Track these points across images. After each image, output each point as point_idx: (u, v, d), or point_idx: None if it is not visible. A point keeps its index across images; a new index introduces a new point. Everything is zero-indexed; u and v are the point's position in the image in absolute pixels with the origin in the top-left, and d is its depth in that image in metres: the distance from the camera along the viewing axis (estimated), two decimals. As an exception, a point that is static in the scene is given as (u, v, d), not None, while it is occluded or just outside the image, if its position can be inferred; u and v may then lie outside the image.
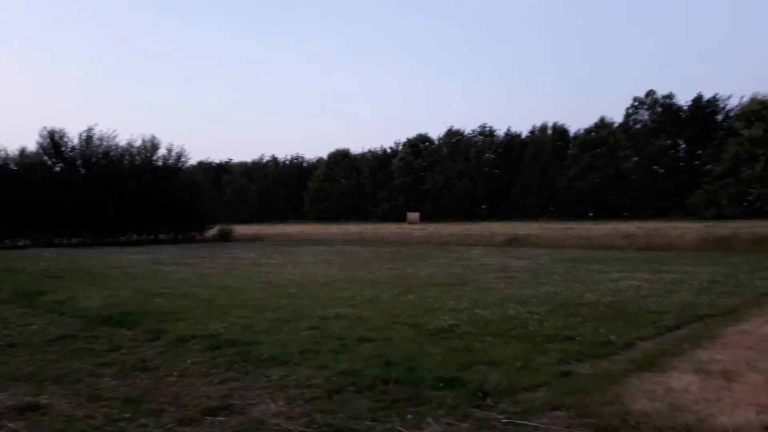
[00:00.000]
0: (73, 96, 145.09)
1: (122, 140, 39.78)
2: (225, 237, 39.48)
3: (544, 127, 72.45)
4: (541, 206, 66.62)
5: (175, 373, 5.57)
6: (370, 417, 4.25)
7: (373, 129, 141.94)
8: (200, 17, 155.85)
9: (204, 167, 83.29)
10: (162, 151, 40.03)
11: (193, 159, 61.06)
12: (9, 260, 20.47)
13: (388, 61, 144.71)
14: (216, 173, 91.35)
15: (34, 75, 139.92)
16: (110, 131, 38.74)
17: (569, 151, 67.14)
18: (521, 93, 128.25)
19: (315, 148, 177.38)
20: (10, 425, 4.26)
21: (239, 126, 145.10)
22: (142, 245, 33.74)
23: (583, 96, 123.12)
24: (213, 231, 40.75)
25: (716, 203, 53.55)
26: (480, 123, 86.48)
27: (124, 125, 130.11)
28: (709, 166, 57.43)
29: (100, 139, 37.71)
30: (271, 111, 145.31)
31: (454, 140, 79.08)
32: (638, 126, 64.84)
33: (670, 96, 63.81)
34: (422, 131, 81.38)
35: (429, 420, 4.17)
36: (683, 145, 62.94)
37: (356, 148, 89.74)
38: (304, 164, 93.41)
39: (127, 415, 4.40)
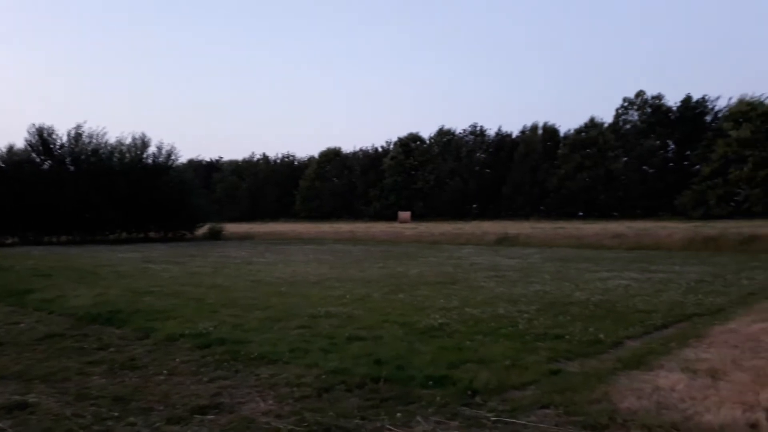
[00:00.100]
0: (62, 93, 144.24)
1: (112, 138, 39.60)
2: (215, 235, 39.37)
3: (534, 127, 72.64)
4: (531, 206, 66.86)
5: (165, 372, 5.55)
6: (359, 415, 4.25)
7: (365, 128, 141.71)
8: (191, 15, 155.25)
9: (194, 165, 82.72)
10: (152, 149, 40.00)
11: (183, 157, 60.71)
12: (-4, 258, 20.29)
13: (380, 60, 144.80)
14: (206, 171, 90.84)
15: (22, 72, 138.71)
16: (100, 129, 38.59)
17: (559, 151, 67.37)
18: (512, 93, 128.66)
19: (306, 147, 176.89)
20: (-2, 424, 4.24)
21: (230, 124, 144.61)
22: (132, 243, 33.58)
23: (574, 96, 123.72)
24: (203, 229, 40.64)
25: (704, 203, 53.93)
26: (471, 122, 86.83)
27: (113, 123, 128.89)
28: (697, 166, 57.79)
29: (90, 136, 37.58)
30: (262, 109, 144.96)
31: (445, 140, 79.11)
32: (628, 126, 65.13)
33: (659, 97, 64.16)
34: (413, 130, 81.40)
35: (418, 418, 4.18)
36: (672, 146, 63.27)
37: (348, 147, 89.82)
38: (295, 163, 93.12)
39: (116, 414, 4.38)
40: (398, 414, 4.27)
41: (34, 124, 36.42)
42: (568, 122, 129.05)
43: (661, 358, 5.62)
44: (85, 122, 55.90)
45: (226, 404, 4.57)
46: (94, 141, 37.64)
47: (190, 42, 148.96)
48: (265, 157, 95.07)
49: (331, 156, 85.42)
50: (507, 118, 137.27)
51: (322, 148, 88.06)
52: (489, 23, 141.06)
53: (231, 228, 43.96)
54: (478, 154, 76.33)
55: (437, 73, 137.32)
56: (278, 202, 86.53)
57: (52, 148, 36.30)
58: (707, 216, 50.27)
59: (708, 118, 61.42)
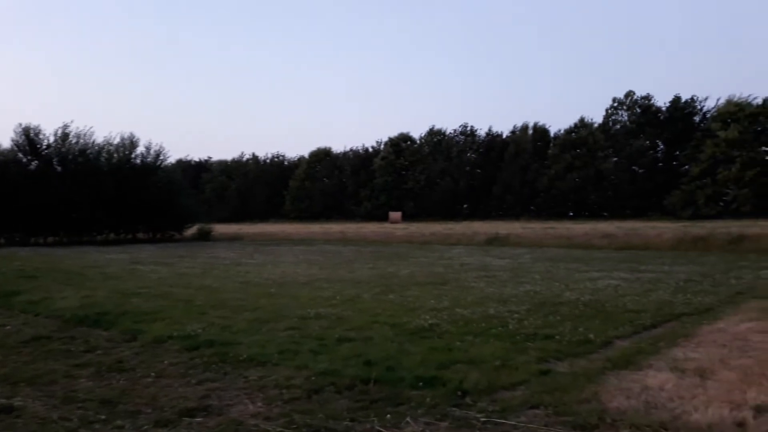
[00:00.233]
0: (49, 93, 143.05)
1: (100, 138, 39.14)
2: (204, 236, 39.17)
3: (525, 127, 72.89)
4: (521, 205, 67.09)
5: (152, 374, 5.51)
6: (349, 417, 4.24)
7: (355, 128, 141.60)
8: (180, 15, 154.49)
9: (183, 165, 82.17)
10: (140, 149, 39.67)
11: (171, 157, 60.24)
12: (-17, 260, 20.07)
13: (370, 60, 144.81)
14: (195, 171, 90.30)
15: (8, 71, 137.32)
16: (87, 128, 38.16)
17: (550, 151, 67.67)
18: (502, 93, 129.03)
19: (296, 147, 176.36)
20: (-18, 428, 4.18)
21: (219, 124, 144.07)
22: (120, 245, 33.33)
23: (564, 96, 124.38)
24: (192, 230, 40.43)
25: (693, 203, 54.35)
26: (461, 123, 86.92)
27: (101, 123, 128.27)
28: (686, 166, 58.22)
29: (77, 136, 37.14)
30: (251, 109, 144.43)
31: (435, 140, 79.22)
32: (617, 126, 65.51)
33: (648, 97, 64.58)
34: (404, 130, 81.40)
35: (408, 419, 4.17)
36: (661, 146, 63.69)
37: (338, 147, 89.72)
38: (285, 163, 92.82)
39: (103, 417, 4.34)
40: (388, 415, 4.25)
41: (20, 124, 36.06)
42: (558, 122, 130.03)
43: (650, 358, 5.65)
44: (72, 122, 55.56)
45: (214, 407, 4.54)
46: (82, 141, 37.25)
47: (179, 42, 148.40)
48: (254, 157, 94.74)
49: (322, 156, 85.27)
50: (497, 118, 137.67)
51: (313, 148, 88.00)
52: (479, 23, 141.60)
53: (220, 229, 43.79)
54: (468, 154, 76.50)
55: (427, 73, 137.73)
56: (268, 202, 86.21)
57: (38, 148, 35.88)
58: (696, 216, 50.67)
59: (697, 118, 61.92)
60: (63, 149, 36.49)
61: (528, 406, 4.38)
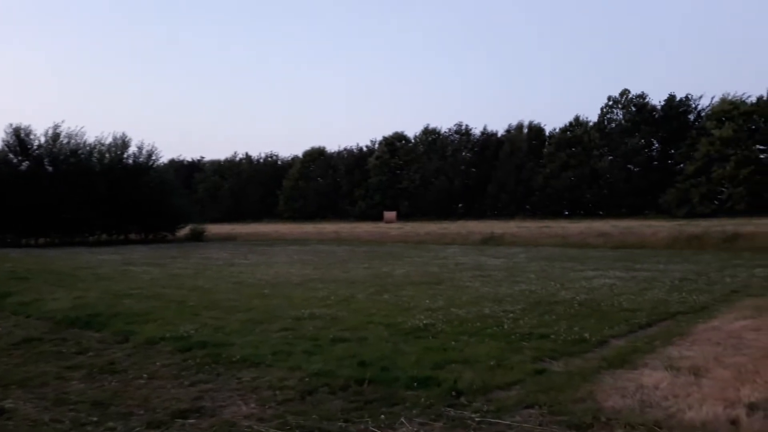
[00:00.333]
0: (40, 93, 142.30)
1: (91, 138, 38.83)
2: (197, 237, 39.00)
3: (519, 126, 73.03)
4: (516, 204, 67.20)
5: (145, 376, 5.46)
6: (343, 418, 4.21)
7: (349, 127, 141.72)
8: (173, 14, 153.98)
9: (175, 165, 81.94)
10: (132, 149, 39.53)
11: (164, 157, 60.30)
12: (-25, 261, 19.92)
13: (364, 59, 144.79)
14: (188, 171, 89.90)
15: (8, 71, 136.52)
16: (78, 128, 37.95)
17: (545, 150, 67.85)
18: (497, 92, 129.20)
19: (290, 146, 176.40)
20: (-29, 431, 4.13)
21: (211, 124, 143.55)
22: (112, 245, 33.18)
23: (559, 95, 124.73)
24: (185, 231, 40.25)
25: (688, 202, 54.56)
26: (456, 122, 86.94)
27: (93, 123, 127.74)
28: (681, 165, 58.47)
29: (68, 136, 36.90)
30: (245, 108, 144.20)
31: (430, 139, 79.24)
32: (613, 125, 65.69)
33: (643, 96, 64.81)
34: (398, 129, 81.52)
35: (403, 420, 4.14)
36: (656, 145, 63.93)
37: (332, 147, 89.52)
38: (279, 162, 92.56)
39: (95, 419, 4.30)
40: (382, 416, 4.23)
41: (11, 124, 35.86)
42: (553, 121, 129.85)
43: (645, 357, 5.64)
44: (63, 122, 55.26)
45: (207, 408, 4.50)
46: (73, 141, 37.03)
47: (171, 41, 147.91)
48: (247, 157, 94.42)
49: (315, 155, 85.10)
50: (492, 117, 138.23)
51: (306, 147, 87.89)
52: (474, 22, 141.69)
53: (213, 229, 43.60)
54: (463, 153, 76.57)
55: (422, 72, 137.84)
56: (261, 202, 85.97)
57: (29, 149, 35.62)
58: (691, 214, 50.87)
59: (691, 117, 62.23)
60: (54, 149, 36.25)
61: (523, 405, 4.35)
